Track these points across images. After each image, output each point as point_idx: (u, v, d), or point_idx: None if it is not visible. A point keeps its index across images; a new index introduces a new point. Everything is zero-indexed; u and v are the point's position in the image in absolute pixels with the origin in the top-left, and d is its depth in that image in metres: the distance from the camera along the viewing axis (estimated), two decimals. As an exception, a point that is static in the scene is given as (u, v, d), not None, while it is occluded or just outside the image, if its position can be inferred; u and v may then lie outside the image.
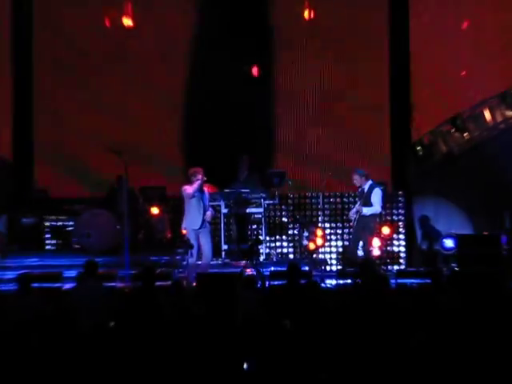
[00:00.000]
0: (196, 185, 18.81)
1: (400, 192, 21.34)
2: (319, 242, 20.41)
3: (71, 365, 8.12)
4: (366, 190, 19.25)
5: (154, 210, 21.35)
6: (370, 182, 19.38)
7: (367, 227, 19.19)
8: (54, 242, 21.33)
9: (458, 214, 20.84)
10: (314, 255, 20.21)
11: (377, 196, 19.22)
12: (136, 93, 23.05)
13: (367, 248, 19.27)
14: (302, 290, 15.62)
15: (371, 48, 22.63)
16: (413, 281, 17.86)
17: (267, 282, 16.77)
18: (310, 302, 14.23)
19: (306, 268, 18.99)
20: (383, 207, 20.02)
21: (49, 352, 9.09)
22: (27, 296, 15.32)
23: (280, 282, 15.84)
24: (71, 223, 21.20)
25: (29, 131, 23.34)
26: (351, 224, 19.88)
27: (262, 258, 20.07)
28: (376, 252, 19.36)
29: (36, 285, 16.24)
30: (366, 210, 19.09)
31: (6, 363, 8.28)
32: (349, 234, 20.56)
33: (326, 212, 20.84)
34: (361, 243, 19.35)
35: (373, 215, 19.29)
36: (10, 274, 18.07)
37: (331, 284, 18.63)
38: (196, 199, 19.04)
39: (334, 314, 13.24)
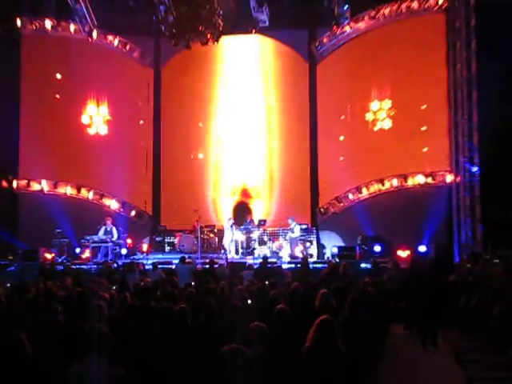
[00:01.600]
0: (229, 224, 19.29)
1: (313, 228, 21.01)
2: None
3: (174, 302, 8.23)
4: (293, 226, 19.56)
5: (211, 234, 21.30)
6: (295, 222, 19.63)
7: (293, 243, 19.45)
8: (168, 247, 21.14)
9: (338, 238, 20.83)
10: (277, 253, 20.32)
11: (297, 229, 19.49)
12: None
13: (293, 252, 19.53)
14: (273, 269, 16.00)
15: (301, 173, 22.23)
16: (319, 266, 18.05)
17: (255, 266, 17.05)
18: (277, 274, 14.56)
19: (274, 259, 19.25)
20: (302, 234, 20.08)
21: (167, 296, 9.29)
22: (156, 271, 15.57)
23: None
24: (176, 240, 21.11)
25: (159, 197, 22.91)
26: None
27: (256, 255, 19.59)
28: (299, 254, 19.38)
29: (160, 266, 16.48)
30: (293, 235, 19.42)
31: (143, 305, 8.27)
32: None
33: (282, 236, 20.66)
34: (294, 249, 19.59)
35: (295, 237, 19.49)
36: (150, 262, 18.27)
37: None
38: (229, 229, 19.38)
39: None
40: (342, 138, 21.61)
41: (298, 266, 17.63)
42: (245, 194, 22.58)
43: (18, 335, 4.98)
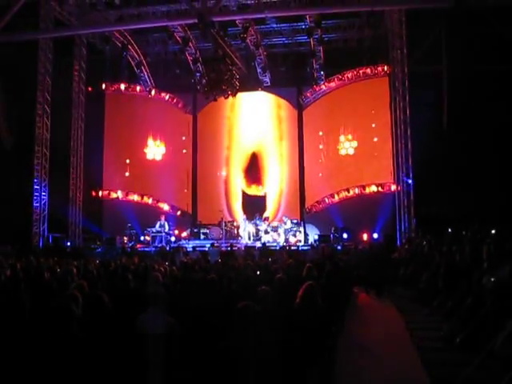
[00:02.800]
0: (243, 219, 19.17)
1: (301, 221, 20.63)
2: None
3: (206, 273, 8.24)
4: (286, 221, 19.47)
5: (231, 227, 20.79)
6: (287, 218, 19.58)
7: (286, 233, 19.32)
8: (203, 236, 20.62)
9: (318, 229, 20.67)
10: (276, 240, 20.08)
11: (289, 223, 19.56)
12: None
13: (286, 238, 19.33)
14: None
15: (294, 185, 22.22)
16: (306, 247, 18.00)
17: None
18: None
19: (275, 244, 19.14)
20: (292, 226, 19.74)
21: (202, 269, 9.28)
22: (194, 252, 15.52)
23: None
24: (208, 231, 20.82)
25: (196, 202, 22.57)
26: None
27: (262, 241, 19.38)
28: (293, 240, 19.37)
29: (197, 248, 16.44)
30: (286, 227, 19.33)
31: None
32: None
33: (280, 228, 20.31)
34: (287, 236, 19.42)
35: (287, 229, 19.36)
36: (190, 246, 18.24)
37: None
38: (243, 223, 19.32)
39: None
40: (320, 160, 21.56)
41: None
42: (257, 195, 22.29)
43: (101, 295, 5.07)
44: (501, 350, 4.54)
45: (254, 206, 21.48)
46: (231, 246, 16.57)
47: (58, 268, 9.28)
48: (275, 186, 22.25)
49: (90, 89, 22.31)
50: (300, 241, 19.60)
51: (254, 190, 22.31)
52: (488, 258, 6.42)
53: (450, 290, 8.06)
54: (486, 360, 5.00)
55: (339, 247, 17.58)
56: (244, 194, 22.36)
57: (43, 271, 8.36)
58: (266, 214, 21.29)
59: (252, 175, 22.40)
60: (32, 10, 18.05)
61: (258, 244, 18.55)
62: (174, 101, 22.98)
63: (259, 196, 22.20)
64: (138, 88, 22.87)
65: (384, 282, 13.33)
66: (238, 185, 22.53)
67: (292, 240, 19.34)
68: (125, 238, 20.35)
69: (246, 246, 17.84)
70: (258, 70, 21.60)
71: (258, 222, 20.08)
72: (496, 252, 6.37)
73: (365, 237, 19.24)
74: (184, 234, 21.41)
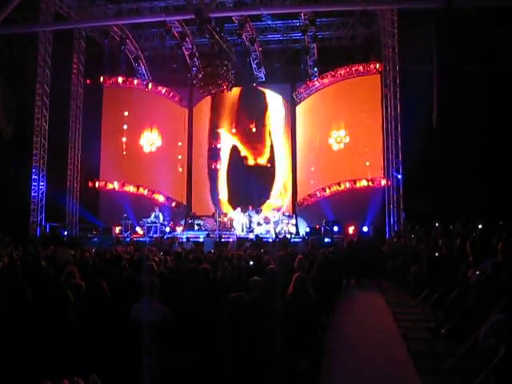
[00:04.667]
0: (237, 211, 19.08)
1: (294, 214, 20.64)
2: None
3: (200, 263, 8.20)
4: (275, 214, 19.24)
5: (225, 218, 20.70)
6: (275, 212, 19.44)
7: (276, 224, 19.24)
8: (197, 227, 20.61)
9: (309, 222, 20.59)
10: (269, 231, 20.09)
11: (277, 215, 19.29)
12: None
13: (275, 229, 19.28)
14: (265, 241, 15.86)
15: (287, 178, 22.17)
16: (298, 240, 17.95)
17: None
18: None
19: (267, 235, 19.15)
20: (281, 218, 19.64)
21: (196, 259, 9.23)
22: (188, 242, 15.46)
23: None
24: (203, 222, 20.91)
25: (191, 193, 22.46)
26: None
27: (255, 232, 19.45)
28: (281, 231, 19.30)
29: (191, 239, 16.39)
30: (274, 219, 19.24)
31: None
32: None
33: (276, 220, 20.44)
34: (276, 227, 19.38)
35: (275, 221, 19.29)
36: (185, 236, 18.16)
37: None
38: (237, 215, 19.23)
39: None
40: (312, 155, 21.51)
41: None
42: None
43: (101, 282, 5.06)
44: (484, 341, 4.60)
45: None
46: (220, 237, 16.49)
47: (55, 257, 9.27)
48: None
49: (88, 81, 22.25)
50: (292, 233, 19.58)
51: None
52: (472, 252, 6.46)
53: (436, 283, 8.09)
54: (469, 350, 5.04)
55: (329, 240, 17.58)
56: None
57: (40, 260, 8.34)
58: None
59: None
60: (32, 4, 18.03)
61: (251, 235, 18.55)
62: (171, 94, 22.88)
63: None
64: (136, 81, 22.79)
65: (373, 273, 13.40)
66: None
67: (283, 232, 19.32)
68: (117, 229, 20.30)
69: (239, 238, 17.82)
70: (253, 66, 21.54)
71: (251, 213, 20.04)
72: (481, 246, 6.40)
73: (351, 230, 19.23)
74: (179, 225, 21.37)
